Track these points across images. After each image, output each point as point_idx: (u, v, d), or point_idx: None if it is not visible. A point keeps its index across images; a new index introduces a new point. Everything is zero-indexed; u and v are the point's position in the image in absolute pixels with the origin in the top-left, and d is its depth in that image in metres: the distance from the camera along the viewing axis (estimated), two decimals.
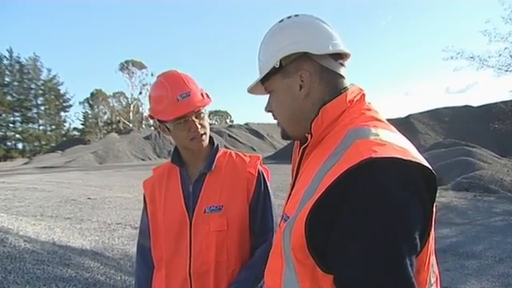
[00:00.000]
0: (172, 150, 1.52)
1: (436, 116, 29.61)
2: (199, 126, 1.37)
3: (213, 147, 1.49)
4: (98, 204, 8.90)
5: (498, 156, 17.15)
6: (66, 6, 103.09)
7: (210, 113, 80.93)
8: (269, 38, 0.99)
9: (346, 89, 0.93)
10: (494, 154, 17.61)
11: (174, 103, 1.32)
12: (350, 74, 0.97)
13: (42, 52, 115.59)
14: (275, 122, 1.03)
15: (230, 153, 1.53)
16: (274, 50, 0.95)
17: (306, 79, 0.92)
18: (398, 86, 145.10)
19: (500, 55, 12.45)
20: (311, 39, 0.92)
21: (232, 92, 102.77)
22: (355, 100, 0.93)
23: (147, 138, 38.27)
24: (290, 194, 0.97)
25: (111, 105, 61.88)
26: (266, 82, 0.99)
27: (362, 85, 0.98)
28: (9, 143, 52.76)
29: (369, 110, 0.92)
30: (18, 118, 54.10)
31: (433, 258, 0.87)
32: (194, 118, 1.36)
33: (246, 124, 48.30)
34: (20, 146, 54.30)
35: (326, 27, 0.96)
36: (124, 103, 61.40)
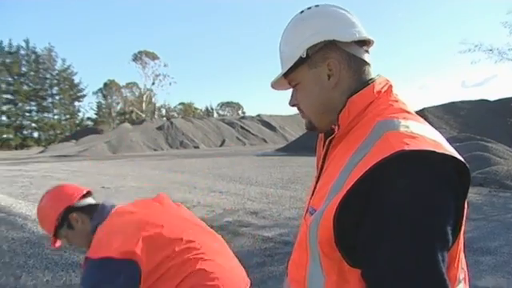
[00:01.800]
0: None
1: (451, 110, 29.12)
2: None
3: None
4: (111, 193, 9.01)
5: None
6: None
7: (223, 104, 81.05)
8: (291, 29, 0.96)
9: (373, 80, 0.91)
10: (511, 150, 17.28)
11: None
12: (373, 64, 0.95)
13: (57, 42, 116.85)
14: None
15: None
16: (298, 41, 0.92)
17: (335, 68, 0.90)
18: (412, 79, 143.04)
19: None
20: (336, 27, 0.91)
21: (244, 84, 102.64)
22: (383, 91, 0.91)
23: (160, 128, 38.49)
24: (315, 187, 0.95)
25: (124, 95, 62.52)
26: (290, 75, 0.96)
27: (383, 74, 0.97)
28: (25, 132, 53.76)
29: (396, 101, 0.90)
30: (33, 108, 55.17)
31: (462, 255, 0.85)
32: None
33: (258, 115, 48.19)
34: (36, 134, 55.28)
35: (347, 15, 0.95)
36: (137, 94, 61.94)
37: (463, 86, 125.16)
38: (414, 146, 0.72)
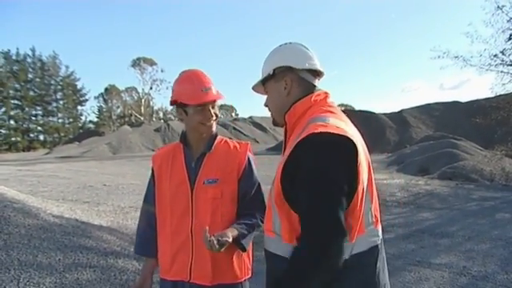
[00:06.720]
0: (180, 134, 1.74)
1: (427, 111, 29.65)
2: (213, 115, 1.64)
3: (213, 134, 1.72)
4: (112, 190, 9.14)
5: (481, 148, 17.33)
6: (83, 5, 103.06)
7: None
8: (270, 55, 1.35)
9: (313, 92, 1.27)
10: (478, 146, 17.76)
11: (200, 93, 1.57)
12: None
13: (61, 50, 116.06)
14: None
15: (226, 140, 1.76)
16: (272, 62, 1.32)
17: (288, 83, 1.29)
18: (395, 82, 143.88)
19: (481, 55, 12.47)
20: (295, 58, 1.30)
21: (237, 87, 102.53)
22: (318, 99, 1.26)
23: (157, 130, 38.53)
24: None
25: (124, 99, 61.95)
26: (265, 84, 1.36)
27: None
28: (32, 135, 53.39)
29: (329, 106, 1.24)
30: (39, 112, 54.78)
31: (372, 206, 1.18)
32: (210, 108, 1.62)
33: (250, 117, 48.18)
34: (41, 137, 54.89)
35: (307, 51, 1.31)
36: (136, 98, 61.37)
37: (441, 89, 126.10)
38: (321, 130, 1.07)
